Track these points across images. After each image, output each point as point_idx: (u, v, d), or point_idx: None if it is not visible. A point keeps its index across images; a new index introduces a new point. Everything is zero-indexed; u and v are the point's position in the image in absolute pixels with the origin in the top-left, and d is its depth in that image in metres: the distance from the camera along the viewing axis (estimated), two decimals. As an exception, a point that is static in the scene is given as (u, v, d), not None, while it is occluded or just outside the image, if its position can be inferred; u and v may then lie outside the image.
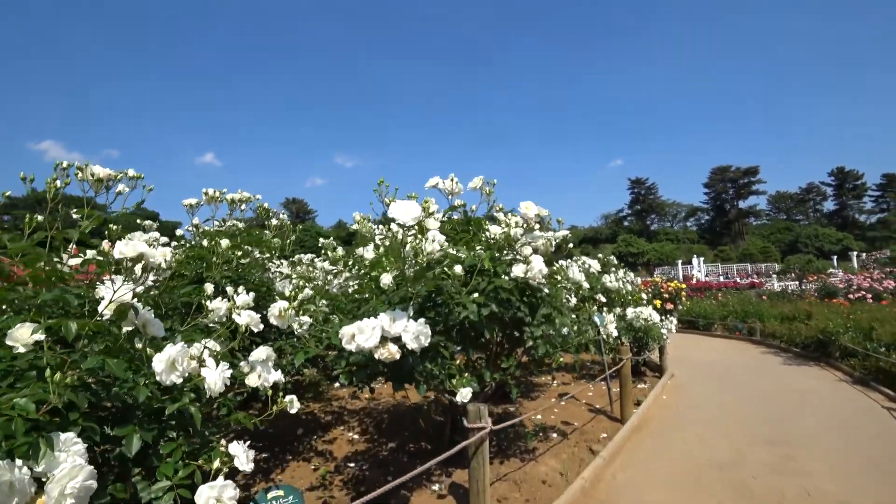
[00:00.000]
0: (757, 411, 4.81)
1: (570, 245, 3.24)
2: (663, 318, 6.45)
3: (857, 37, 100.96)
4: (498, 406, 5.21)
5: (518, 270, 2.43)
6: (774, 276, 25.49)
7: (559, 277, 3.39)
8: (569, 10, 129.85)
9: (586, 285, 5.29)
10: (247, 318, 1.95)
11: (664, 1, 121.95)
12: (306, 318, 2.66)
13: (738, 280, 22.59)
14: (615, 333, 3.98)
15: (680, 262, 31.41)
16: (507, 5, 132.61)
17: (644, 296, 7.04)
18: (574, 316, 3.99)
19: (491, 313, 2.56)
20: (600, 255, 7.09)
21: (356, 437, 4.43)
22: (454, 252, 2.85)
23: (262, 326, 2.08)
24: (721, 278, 26.30)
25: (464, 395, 2.22)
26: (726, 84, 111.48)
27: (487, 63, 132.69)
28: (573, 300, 3.82)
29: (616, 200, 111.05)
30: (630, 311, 6.27)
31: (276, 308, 2.18)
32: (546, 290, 3.07)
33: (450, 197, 3.09)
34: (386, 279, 1.99)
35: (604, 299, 5.73)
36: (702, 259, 31.25)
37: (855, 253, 30.33)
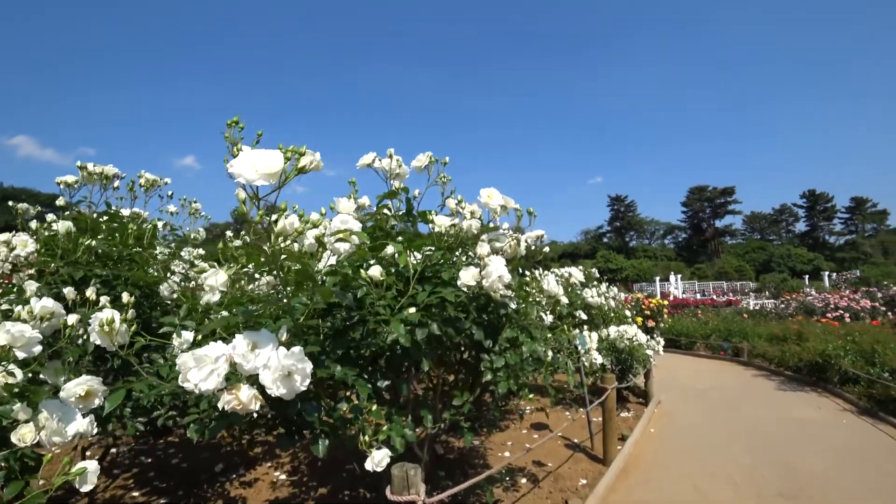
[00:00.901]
0: (760, 450, 4.14)
1: (546, 248, 2.53)
2: (649, 337, 5.80)
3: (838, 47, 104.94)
4: (459, 439, 4.45)
5: (467, 276, 1.70)
6: (751, 294, 25.45)
7: (531, 289, 2.68)
8: (552, 29, 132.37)
9: (565, 300, 4.59)
10: (3, 337, 1.18)
11: (647, 17, 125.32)
12: (187, 336, 1.88)
13: (714, 298, 22.40)
14: (599, 360, 3.27)
15: (658, 278, 31.23)
16: (495, 20, 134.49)
17: (628, 312, 6.40)
18: (550, 335, 3.29)
19: (431, 336, 1.82)
20: (581, 267, 6.43)
21: (283, 477, 3.62)
22: (391, 250, 2.11)
23: (38, 348, 1.31)
24: (698, 296, 26.17)
25: (378, 460, 1.46)
26: (709, 101, 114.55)
27: (480, 69, 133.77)
28: (548, 318, 3.12)
29: (596, 217, 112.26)
30: (613, 330, 5.61)
31: (98, 319, 1.41)
32: (513, 306, 2.37)
33: (390, 181, 2.37)
34: (214, 280, 1.23)
35: (584, 316, 5.05)
36: (679, 276, 31.15)
37: (827, 273, 30.71)
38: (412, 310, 1.81)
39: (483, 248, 1.81)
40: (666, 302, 12.20)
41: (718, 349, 9.83)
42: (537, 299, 2.58)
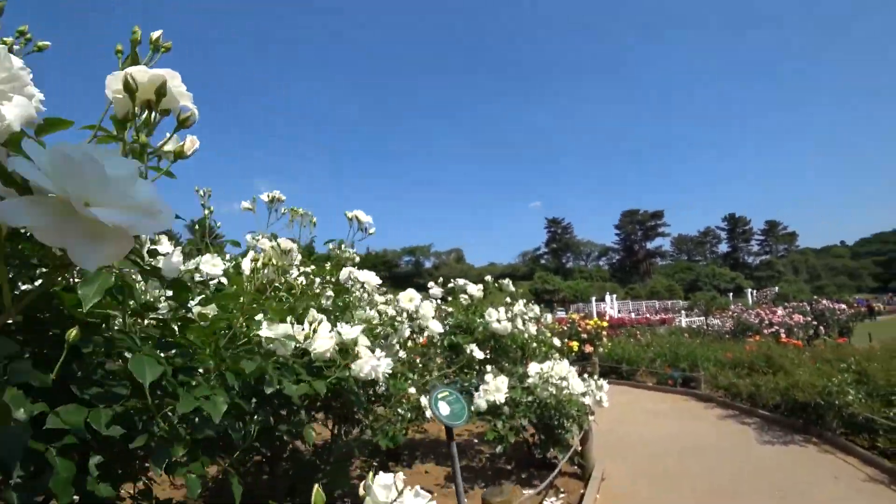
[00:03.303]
0: None
1: (277, 194, 0.84)
2: (586, 378, 3.87)
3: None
4: None
5: None
6: (682, 312, 25.02)
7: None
8: (493, 58, 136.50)
9: (436, 329, 2.55)
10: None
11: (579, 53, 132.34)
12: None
13: (648, 316, 21.70)
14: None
15: (594, 298, 30.54)
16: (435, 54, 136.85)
17: (557, 341, 4.46)
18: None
19: None
20: (488, 278, 4.45)
21: None
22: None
23: None
24: (633, 315, 25.44)
25: None
26: (641, 128, 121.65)
27: (417, 98, 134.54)
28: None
29: (534, 240, 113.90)
30: (533, 370, 3.62)
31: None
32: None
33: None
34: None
35: (479, 354, 3.03)
36: (614, 296, 30.66)
37: (749, 290, 31.60)
38: None
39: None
40: (605, 323, 10.61)
41: (666, 378, 8.20)
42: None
